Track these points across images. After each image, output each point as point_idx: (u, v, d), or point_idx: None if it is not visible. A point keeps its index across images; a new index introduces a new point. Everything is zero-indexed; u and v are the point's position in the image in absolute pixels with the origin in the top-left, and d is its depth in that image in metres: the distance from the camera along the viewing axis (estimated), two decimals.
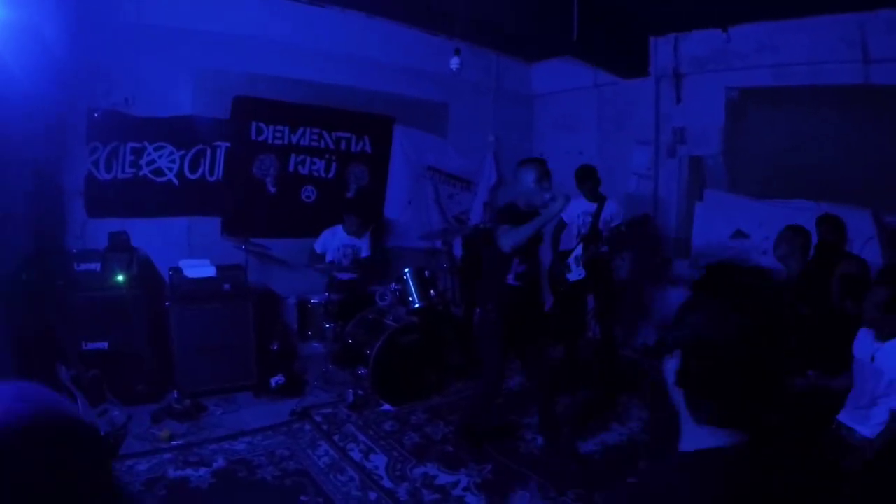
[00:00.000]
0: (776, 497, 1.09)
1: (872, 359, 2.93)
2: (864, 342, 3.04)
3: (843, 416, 3.10)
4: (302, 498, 3.60)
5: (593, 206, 5.60)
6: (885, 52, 5.12)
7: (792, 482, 1.13)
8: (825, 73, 5.53)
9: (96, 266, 4.79)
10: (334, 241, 6.01)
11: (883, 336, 2.91)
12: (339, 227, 6.03)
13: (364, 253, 6.20)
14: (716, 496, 1.06)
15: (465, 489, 3.78)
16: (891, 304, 2.84)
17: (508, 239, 3.77)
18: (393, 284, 5.53)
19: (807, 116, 5.78)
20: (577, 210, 5.63)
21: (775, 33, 5.80)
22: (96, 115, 5.21)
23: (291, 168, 6.34)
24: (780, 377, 1.18)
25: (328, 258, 5.97)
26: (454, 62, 5.56)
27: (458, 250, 7.18)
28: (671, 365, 1.19)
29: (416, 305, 5.42)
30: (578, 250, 5.52)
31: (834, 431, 3.11)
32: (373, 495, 3.68)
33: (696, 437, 1.16)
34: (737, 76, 6.26)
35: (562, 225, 5.74)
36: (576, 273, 5.55)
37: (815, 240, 4.54)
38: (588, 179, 5.63)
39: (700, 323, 1.15)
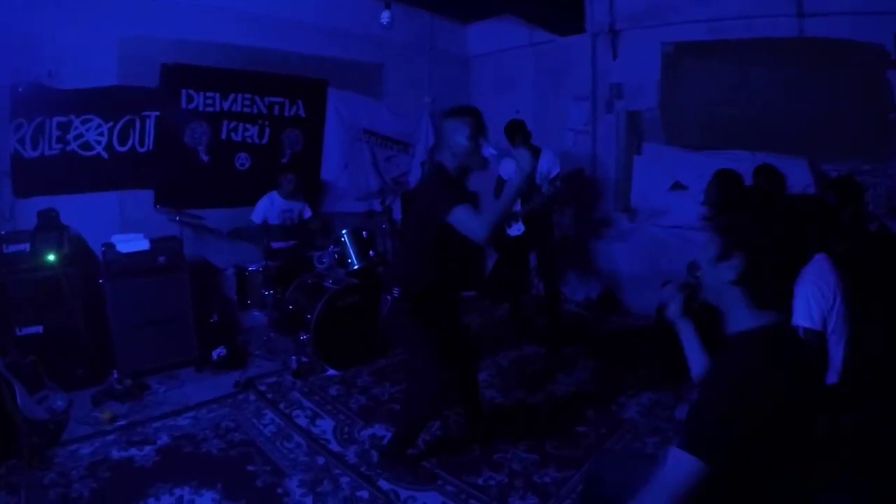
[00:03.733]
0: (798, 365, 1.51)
1: None
2: None
3: None
4: (249, 468, 3.58)
5: None
6: (820, 6, 5.23)
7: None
8: (760, 26, 5.61)
9: (25, 247, 4.58)
10: (273, 208, 5.90)
11: None
12: (275, 193, 5.93)
13: (307, 214, 6.15)
14: (768, 360, 1.45)
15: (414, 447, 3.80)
16: None
17: (483, 224, 2.94)
18: (331, 247, 5.44)
19: (742, 69, 5.86)
20: (514, 166, 5.61)
21: None
22: (20, 89, 4.96)
23: (224, 135, 6.16)
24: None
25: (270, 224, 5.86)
26: (385, 16, 5.49)
27: (397, 214, 7.17)
28: (724, 267, 1.53)
29: (356, 267, 5.34)
30: (517, 205, 5.54)
31: None
32: (321, 460, 3.68)
33: (744, 321, 1.53)
34: (672, 31, 6.30)
35: (501, 181, 5.73)
36: (515, 228, 5.59)
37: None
38: (518, 133, 5.56)
39: (766, 229, 1.48)
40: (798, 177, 5.36)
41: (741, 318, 1.54)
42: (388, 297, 3.38)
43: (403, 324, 3.36)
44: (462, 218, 2.98)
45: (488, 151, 3.15)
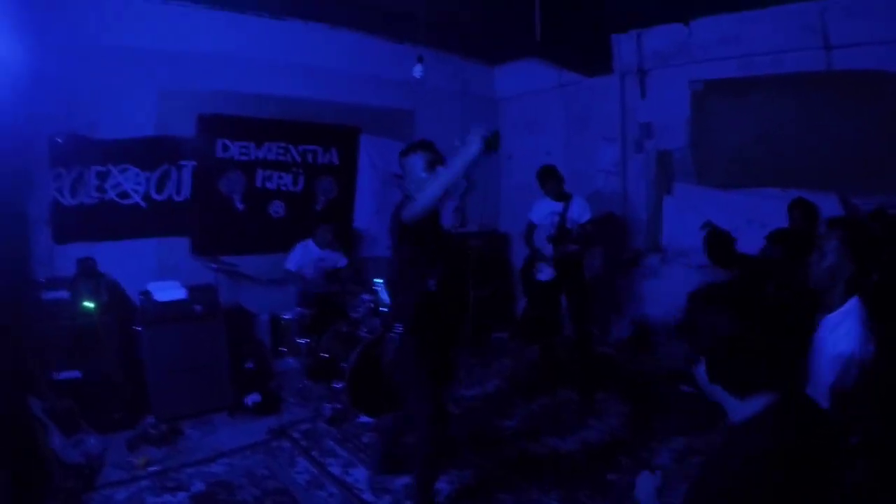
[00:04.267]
0: (808, 441, 1.48)
1: None
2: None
3: None
4: None
5: (560, 206, 5.57)
6: (845, 38, 5.22)
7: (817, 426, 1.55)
8: (788, 61, 5.62)
9: (64, 294, 4.73)
10: (308, 256, 5.94)
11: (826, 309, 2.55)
12: (311, 242, 5.97)
13: (341, 263, 6.17)
14: (766, 450, 1.42)
15: (447, 497, 3.76)
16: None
17: (421, 198, 2.97)
18: (365, 295, 5.47)
19: (771, 105, 5.85)
20: (545, 210, 5.63)
21: (737, 24, 5.88)
22: (59, 140, 5.13)
23: (259, 184, 6.29)
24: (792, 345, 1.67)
25: (305, 274, 5.87)
26: (417, 70, 5.52)
27: None
28: (700, 370, 1.57)
29: None
30: (548, 250, 5.53)
31: None
32: None
33: (739, 411, 1.53)
34: (700, 69, 6.32)
35: (532, 226, 5.74)
36: (546, 273, 5.56)
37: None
38: (550, 179, 5.59)
39: (711, 328, 1.52)
40: (829, 212, 5.28)
41: (734, 409, 1.56)
42: (392, 335, 3.38)
43: (406, 354, 3.33)
44: (408, 206, 3.06)
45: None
